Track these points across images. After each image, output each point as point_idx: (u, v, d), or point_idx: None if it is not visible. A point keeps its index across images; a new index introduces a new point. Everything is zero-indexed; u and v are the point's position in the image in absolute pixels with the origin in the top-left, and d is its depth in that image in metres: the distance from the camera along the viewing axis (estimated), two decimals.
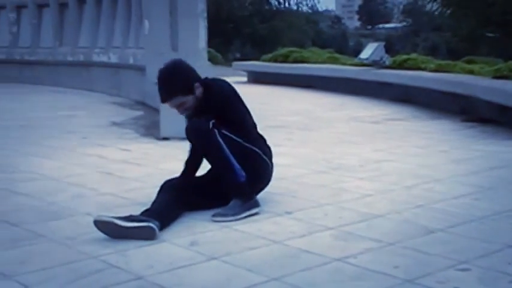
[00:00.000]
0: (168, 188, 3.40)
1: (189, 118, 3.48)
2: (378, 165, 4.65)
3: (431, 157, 4.98)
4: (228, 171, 3.33)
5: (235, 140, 3.37)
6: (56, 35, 11.65)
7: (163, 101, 3.41)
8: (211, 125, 3.28)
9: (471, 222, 3.21)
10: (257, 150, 3.47)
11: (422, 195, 3.73)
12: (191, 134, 3.37)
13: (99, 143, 5.65)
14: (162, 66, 3.42)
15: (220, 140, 3.29)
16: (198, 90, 3.38)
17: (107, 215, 3.06)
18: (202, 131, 3.30)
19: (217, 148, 3.30)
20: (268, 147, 3.59)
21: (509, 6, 16.00)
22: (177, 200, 3.29)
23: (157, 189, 3.46)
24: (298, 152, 5.22)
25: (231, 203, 3.32)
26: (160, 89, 3.37)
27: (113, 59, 9.97)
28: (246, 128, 3.48)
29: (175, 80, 3.36)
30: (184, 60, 3.49)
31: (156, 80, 3.38)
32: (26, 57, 12.08)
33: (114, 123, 6.86)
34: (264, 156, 3.50)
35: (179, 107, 3.40)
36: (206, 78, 3.52)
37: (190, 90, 3.36)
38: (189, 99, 3.36)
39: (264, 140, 3.60)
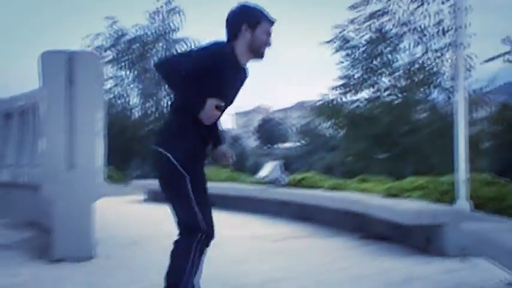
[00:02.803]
0: None
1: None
2: (278, 283, 4.59)
3: (332, 274, 4.99)
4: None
5: None
6: None
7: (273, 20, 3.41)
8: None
9: None
10: None
11: None
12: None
13: None
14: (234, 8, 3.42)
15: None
16: None
17: None
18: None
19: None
20: None
21: (394, 128, 17.04)
22: None
23: None
24: None
25: None
26: (260, 11, 3.38)
27: (5, 176, 9.56)
28: None
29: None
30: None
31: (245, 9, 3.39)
32: None
33: (1, 246, 6.45)
34: None
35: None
36: None
37: None
38: None
39: None
